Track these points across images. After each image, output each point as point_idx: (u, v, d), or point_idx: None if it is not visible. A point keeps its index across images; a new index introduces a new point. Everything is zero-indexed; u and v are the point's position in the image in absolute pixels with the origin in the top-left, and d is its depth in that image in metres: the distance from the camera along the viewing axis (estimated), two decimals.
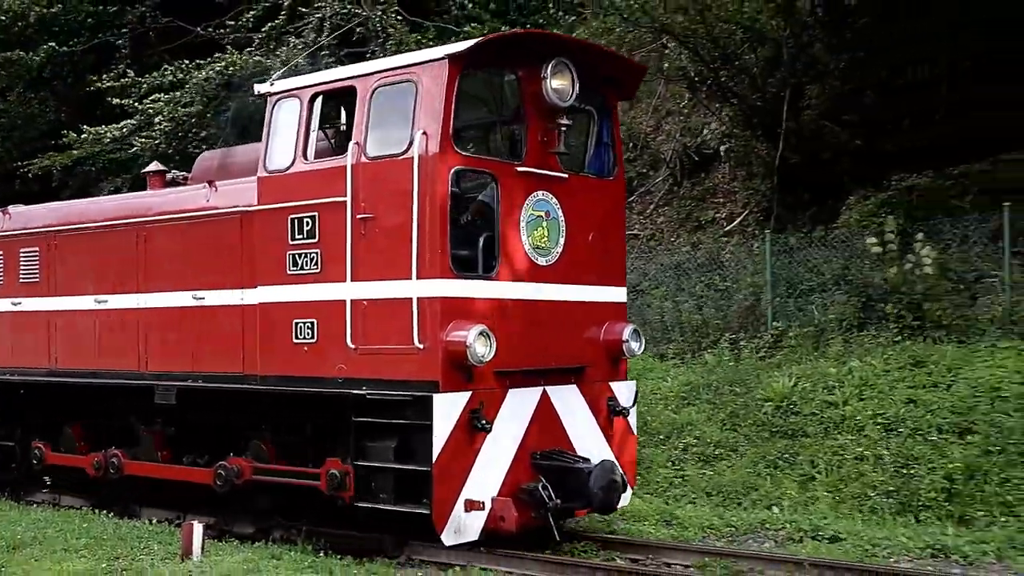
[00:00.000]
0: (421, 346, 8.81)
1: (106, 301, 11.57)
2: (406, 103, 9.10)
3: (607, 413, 10.18)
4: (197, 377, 10.64)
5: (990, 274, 14.14)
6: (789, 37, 17.12)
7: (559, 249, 9.79)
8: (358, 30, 20.28)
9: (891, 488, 11.28)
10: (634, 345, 10.28)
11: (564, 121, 9.68)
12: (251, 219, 10.17)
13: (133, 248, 11.35)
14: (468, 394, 8.86)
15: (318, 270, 9.53)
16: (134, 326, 11.30)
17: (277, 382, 9.83)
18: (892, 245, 14.16)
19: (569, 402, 9.83)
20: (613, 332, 10.24)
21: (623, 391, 10.41)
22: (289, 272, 9.74)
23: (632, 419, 10.43)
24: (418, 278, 8.84)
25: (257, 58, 19.98)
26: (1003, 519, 10.46)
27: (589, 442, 9.94)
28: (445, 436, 8.70)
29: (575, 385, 9.92)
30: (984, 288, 14.13)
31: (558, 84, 9.51)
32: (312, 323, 9.57)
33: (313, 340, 9.56)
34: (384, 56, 10.53)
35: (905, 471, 11.43)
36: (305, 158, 9.71)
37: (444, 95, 8.88)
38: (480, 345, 8.79)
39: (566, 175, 9.86)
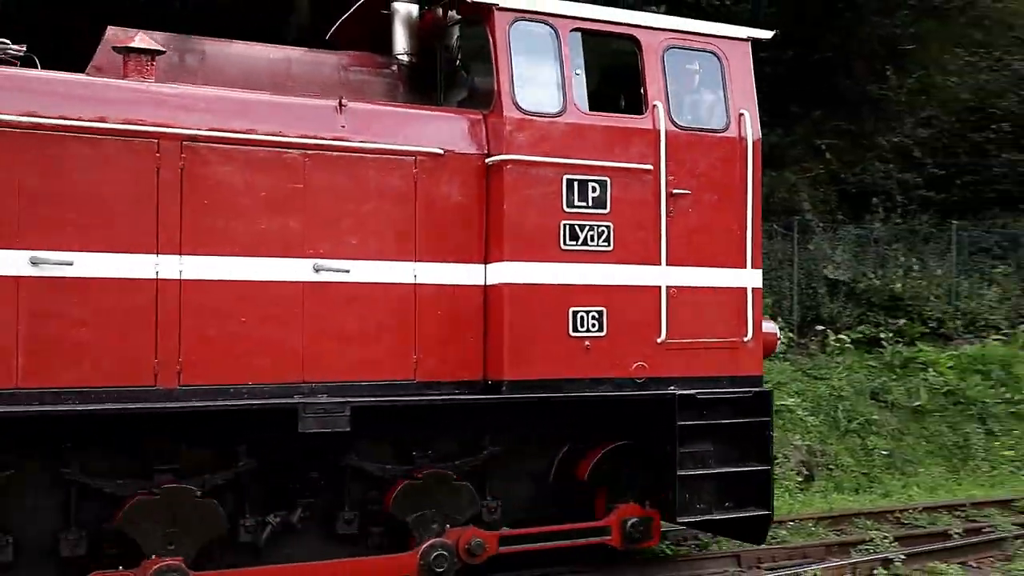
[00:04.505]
0: (748, 339, 8.26)
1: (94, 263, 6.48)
2: (712, 75, 8.30)
3: None
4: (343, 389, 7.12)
5: None
6: None
7: None
8: None
9: None
10: None
11: None
12: (460, 168, 7.53)
13: (148, 178, 6.70)
14: None
15: (609, 247, 7.80)
16: (148, 309, 6.69)
17: (535, 388, 7.55)
18: None
19: None
20: None
21: None
22: (564, 247, 7.65)
23: None
24: (753, 267, 8.29)
25: None
26: None
27: None
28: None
29: None
30: None
31: None
32: (600, 312, 7.75)
33: (601, 333, 7.74)
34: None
35: None
36: (575, 106, 7.74)
37: (751, 77, 8.48)
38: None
39: None
